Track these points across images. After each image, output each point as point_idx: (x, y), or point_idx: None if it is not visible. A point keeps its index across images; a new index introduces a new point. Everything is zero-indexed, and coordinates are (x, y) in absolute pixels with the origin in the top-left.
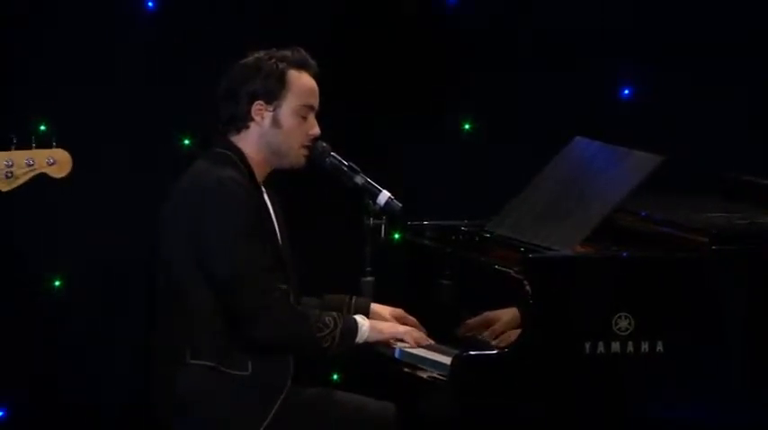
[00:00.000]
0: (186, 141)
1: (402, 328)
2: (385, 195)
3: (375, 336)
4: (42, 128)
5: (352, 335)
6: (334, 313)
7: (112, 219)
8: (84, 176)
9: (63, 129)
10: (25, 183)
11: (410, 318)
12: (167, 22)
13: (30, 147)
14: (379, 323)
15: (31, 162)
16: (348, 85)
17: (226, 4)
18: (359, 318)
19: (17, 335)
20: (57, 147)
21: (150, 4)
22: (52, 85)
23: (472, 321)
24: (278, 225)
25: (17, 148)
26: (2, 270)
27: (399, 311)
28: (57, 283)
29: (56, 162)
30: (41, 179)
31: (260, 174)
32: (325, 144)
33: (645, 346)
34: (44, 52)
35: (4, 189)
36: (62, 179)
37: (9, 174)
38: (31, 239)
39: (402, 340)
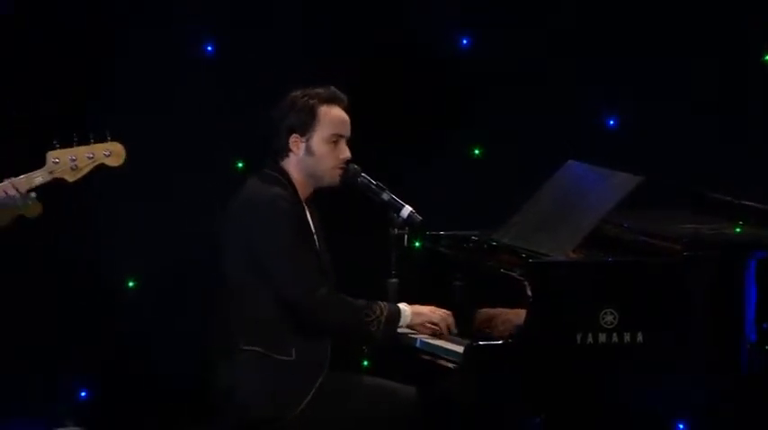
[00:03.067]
0: (240, 164)
1: (438, 314)
2: (407, 209)
3: (417, 319)
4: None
5: (395, 320)
6: (380, 302)
7: (177, 230)
8: (154, 193)
9: (137, 151)
10: (88, 174)
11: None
12: (224, 64)
13: (89, 143)
14: (421, 308)
15: (91, 155)
16: (379, 117)
17: (272, 50)
18: (402, 305)
19: (97, 329)
20: (111, 140)
21: (209, 48)
22: (127, 113)
23: (481, 316)
24: (317, 235)
25: (78, 145)
26: (86, 274)
27: (430, 308)
28: (130, 284)
29: (111, 153)
30: (119, 198)
31: (303, 193)
32: (356, 166)
33: (627, 337)
34: (123, 85)
35: (71, 179)
36: (118, 168)
37: (74, 167)
38: (110, 248)
39: (433, 323)
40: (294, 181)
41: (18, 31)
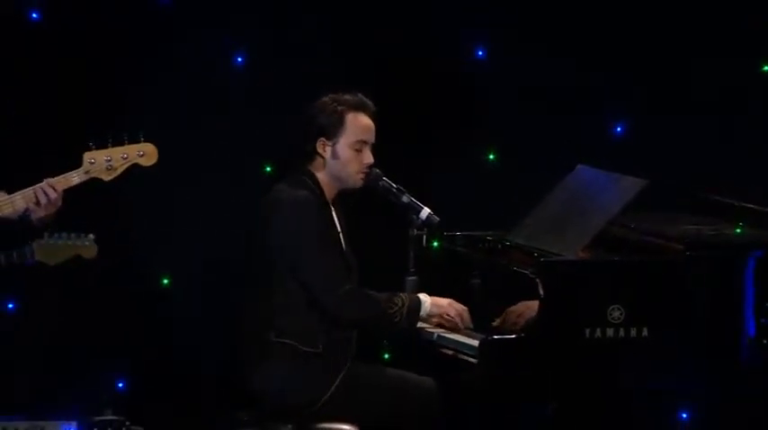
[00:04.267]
0: (268, 168)
1: (455, 308)
2: (426, 211)
3: (436, 310)
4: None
5: (417, 309)
6: (402, 294)
7: (210, 230)
8: (188, 195)
9: (172, 155)
10: (123, 173)
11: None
12: (254, 73)
13: (123, 143)
14: (439, 299)
15: (126, 155)
16: (399, 124)
17: (299, 59)
18: (422, 295)
19: (135, 324)
20: (144, 141)
21: (240, 59)
22: (164, 120)
23: (496, 312)
24: (342, 234)
25: (112, 146)
26: (124, 272)
27: (448, 300)
28: (165, 281)
29: (145, 154)
30: (155, 201)
31: (328, 194)
32: (378, 170)
33: (633, 332)
34: (160, 94)
35: (106, 179)
36: (151, 167)
37: (109, 167)
38: (147, 248)
39: (449, 315)
40: (321, 183)
41: (52, 40)
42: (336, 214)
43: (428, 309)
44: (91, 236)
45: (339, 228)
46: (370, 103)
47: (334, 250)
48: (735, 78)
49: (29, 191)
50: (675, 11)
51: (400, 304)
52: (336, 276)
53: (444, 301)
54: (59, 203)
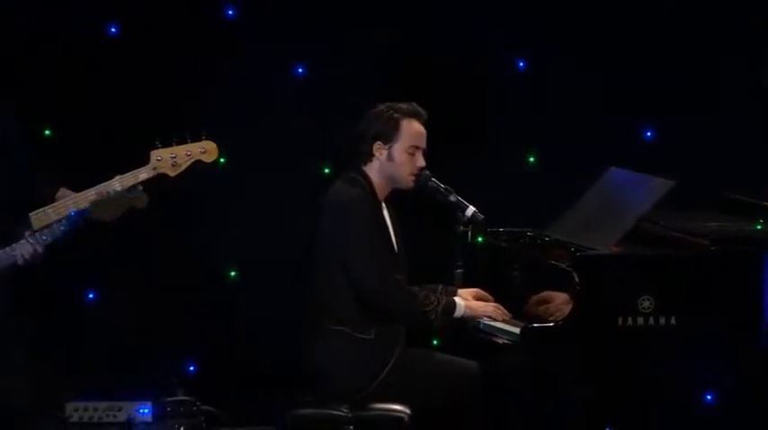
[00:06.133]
0: (326, 169)
1: (490, 307)
2: (471, 209)
3: (469, 313)
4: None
5: (450, 311)
6: (439, 294)
7: (272, 226)
8: (252, 194)
9: (239, 157)
10: (187, 169)
11: (487, 294)
12: (314, 82)
13: (186, 142)
14: (473, 303)
15: (189, 152)
16: (449, 129)
17: (355, 68)
18: (458, 299)
19: (205, 313)
20: (205, 139)
21: (300, 70)
22: (233, 125)
23: (535, 302)
24: (393, 231)
25: (177, 144)
26: (194, 265)
27: (479, 291)
28: (232, 274)
29: (206, 151)
30: (224, 200)
31: (381, 194)
32: (427, 172)
33: (662, 320)
34: (230, 101)
35: (172, 174)
36: (212, 164)
37: (174, 163)
38: (215, 242)
39: (488, 316)
40: (374, 183)
41: (128, 51)
42: (388, 212)
43: (462, 312)
44: (140, 187)
45: (390, 226)
46: (423, 111)
47: (383, 245)
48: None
49: (101, 187)
50: (703, 14)
51: (436, 303)
52: (382, 270)
53: (477, 306)
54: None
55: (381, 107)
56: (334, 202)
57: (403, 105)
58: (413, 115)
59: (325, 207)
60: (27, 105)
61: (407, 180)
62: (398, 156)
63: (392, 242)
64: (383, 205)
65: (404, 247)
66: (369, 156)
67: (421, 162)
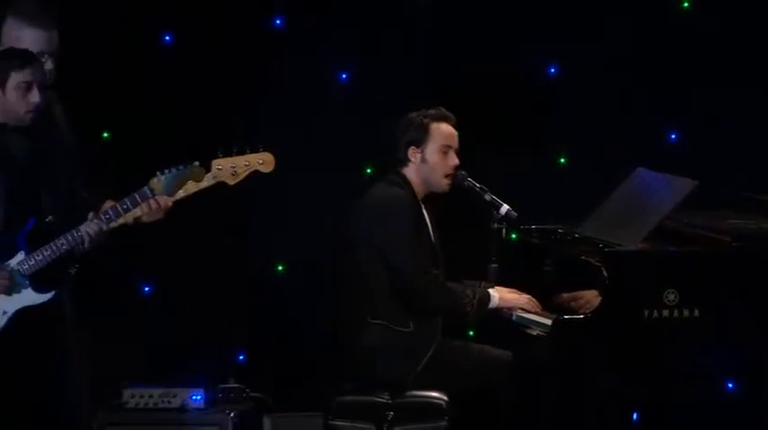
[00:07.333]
0: (368, 170)
1: (523, 298)
2: (505, 207)
3: (503, 304)
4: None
5: (486, 303)
6: (475, 288)
7: (317, 223)
8: (299, 193)
9: (287, 158)
10: (245, 178)
11: (520, 292)
12: (356, 88)
13: (245, 153)
14: (507, 295)
15: (247, 163)
16: (483, 132)
17: (396, 74)
18: (492, 290)
19: (254, 304)
20: (263, 151)
21: (343, 76)
22: (280, 129)
23: (566, 295)
24: (432, 229)
25: (236, 155)
26: (245, 259)
27: (515, 291)
28: (279, 268)
29: (264, 162)
30: (272, 198)
31: (420, 194)
32: (463, 172)
33: (686, 312)
34: (278, 107)
35: (231, 183)
36: (270, 174)
37: (233, 173)
38: (263, 238)
39: (521, 308)
40: (413, 184)
41: (183, 59)
42: (427, 211)
43: (497, 303)
44: (195, 162)
45: (429, 224)
46: (450, 114)
47: (422, 242)
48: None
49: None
50: (726, 17)
51: (472, 296)
52: (422, 265)
53: (511, 297)
54: (165, 212)
55: (412, 115)
56: (376, 201)
57: (431, 110)
58: (441, 118)
59: (367, 206)
60: (86, 110)
61: (442, 183)
62: (431, 157)
63: (431, 239)
64: (422, 205)
65: (441, 246)
66: (405, 161)
67: (454, 161)
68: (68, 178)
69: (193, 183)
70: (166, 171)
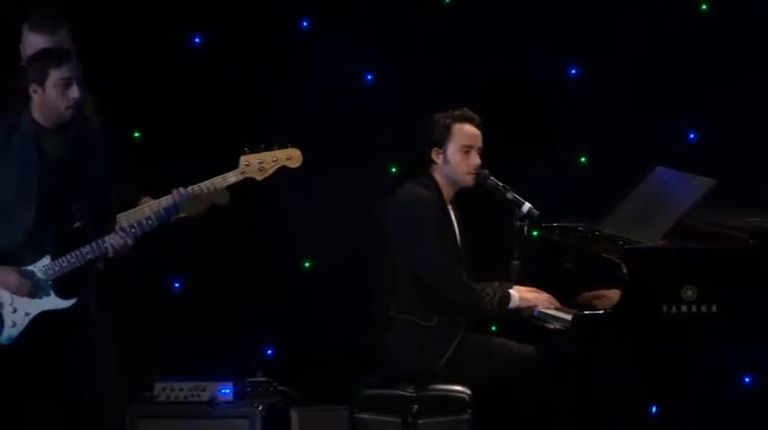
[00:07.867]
0: (393, 169)
1: (543, 297)
2: (527, 205)
3: (523, 303)
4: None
5: (506, 301)
6: (495, 287)
7: (344, 221)
8: (326, 192)
9: (315, 158)
10: (273, 174)
11: (539, 291)
12: (382, 88)
13: (272, 149)
14: (526, 294)
15: (275, 158)
16: (507, 132)
17: (420, 75)
18: (512, 290)
19: (282, 300)
20: (291, 147)
21: (369, 77)
22: (308, 128)
23: (589, 294)
24: (457, 229)
25: (264, 151)
26: (272, 256)
27: (534, 290)
28: (306, 264)
29: (291, 157)
30: (300, 195)
31: (446, 194)
32: (486, 171)
33: (704, 308)
34: (305, 106)
35: (259, 178)
36: (297, 169)
37: (261, 168)
38: (290, 235)
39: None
40: (439, 185)
41: (212, 60)
42: (453, 212)
43: (516, 303)
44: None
45: (455, 224)
46: (473, 115)
47: (447, 241)
48: None
49: (194, 187)
50: (744, 20)
51: (492, 295)
52: (446, 263)
53: (531, 297)
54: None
55: (436, 116)
56: (403, 200)
57: (456, 111)
58: (463, 119)
59: (396, 205)
60: (118, 110)
61: (466, 179)
62: (453, 157)
63: (456, 239)
64: (449, 206)
65: (466, 245)
66: (430, 162)
67: (476, 160)
68: (101, 179)
69: (222, 179)
70: (189, 188)
